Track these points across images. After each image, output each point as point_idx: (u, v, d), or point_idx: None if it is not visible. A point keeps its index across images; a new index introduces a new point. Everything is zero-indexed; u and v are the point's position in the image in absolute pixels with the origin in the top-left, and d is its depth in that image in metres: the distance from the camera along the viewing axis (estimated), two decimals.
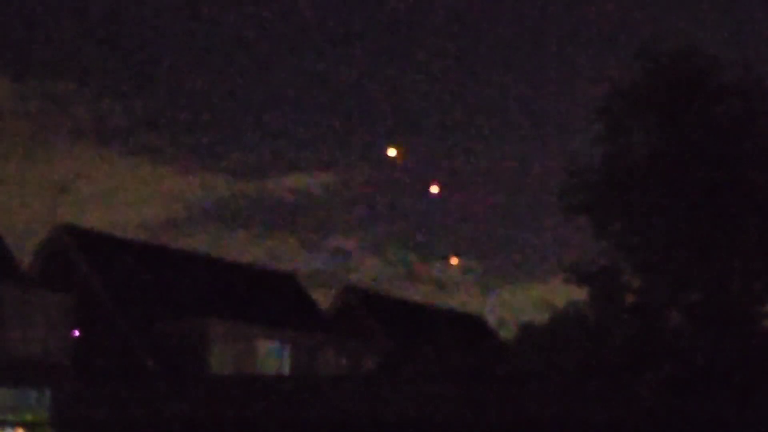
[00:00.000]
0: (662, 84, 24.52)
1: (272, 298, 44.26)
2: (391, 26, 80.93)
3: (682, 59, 24.58)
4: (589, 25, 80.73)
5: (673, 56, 24.65)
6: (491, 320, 53.17)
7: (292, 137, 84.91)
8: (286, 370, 39.32)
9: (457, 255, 51.83)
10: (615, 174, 24.93)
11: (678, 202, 24.30)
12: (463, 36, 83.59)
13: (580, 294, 25.87)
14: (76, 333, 35.70)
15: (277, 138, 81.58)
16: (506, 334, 45.78)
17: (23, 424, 31.33)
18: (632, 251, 25.05)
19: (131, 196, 78.26)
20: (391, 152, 42.33)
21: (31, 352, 33.96)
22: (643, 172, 24.57)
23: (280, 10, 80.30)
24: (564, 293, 26.75)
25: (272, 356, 39.41)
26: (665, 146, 24.59)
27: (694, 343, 23.52)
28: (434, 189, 42.46)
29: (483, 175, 78.56)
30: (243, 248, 75.91)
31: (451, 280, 60.74)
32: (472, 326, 52.81)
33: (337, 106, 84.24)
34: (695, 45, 24.95)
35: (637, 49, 24.87)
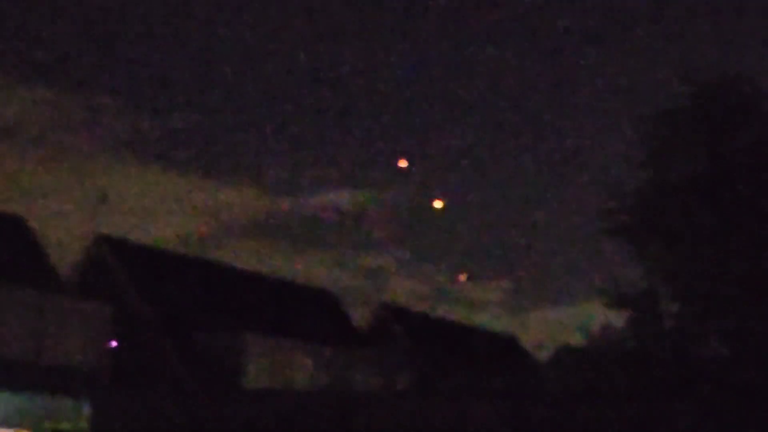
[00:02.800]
0: (706, 109, 24.51)
1: (308, 314, 44.38)
2: (428, 41, 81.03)
3: (727, 85, 24.58)
4: (631, 48, 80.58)
5: (718, 82, 24.65)
6: None
7: (326, 153, 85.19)
8: (320, 386, 39.37)
9: (466, 272, 51.94)
10: (655, 197, 24.89)
11: (719, 227, 24.23)
12: (505, 55, 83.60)
13: (615, 318, 25.83)
14: (114, 343, 35.91)
15: (312, 154, 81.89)
16: (542, 356, 45.73)
17: None
18: (671, 276, 24.97)
19: (167, 210, 78.75)
20: (402, 164, 42.82)
21: (68, 361, 34.18)
22: (685, 197, 24.53)
23: (319, 32, 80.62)
24: (600, 317, 26.69)
25: (307, 372, 39.47)
26: (707, 171, 24.54)
27: (733, 370, 23.41)
28: (438, 204, 42.69)
29: (519, 195, 78.44)
30: (276, 264, 76.11)
31: (484, 300, 60.64)
32: (506, 347, 52.73)
33: (371, 124, 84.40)
34: (739, 71, 24.94)
35: (682, 75, 24.88)
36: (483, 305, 64.98)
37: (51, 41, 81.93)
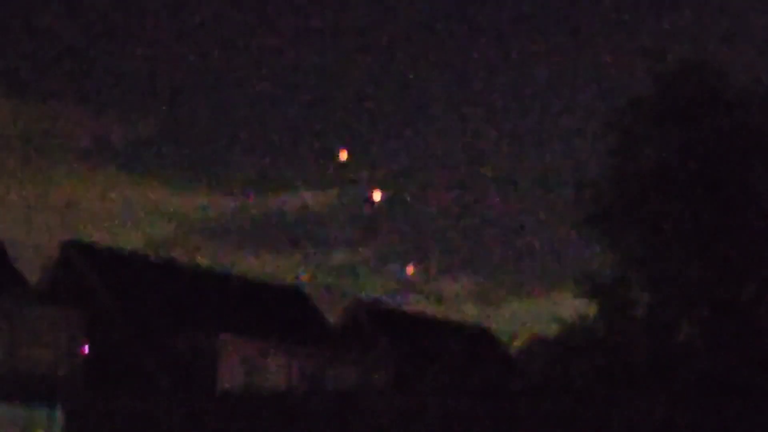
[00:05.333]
0: (672, 98, 24.60)
1: (281, 313, 44.28)
2: (401, 36, 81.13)
3: (693, 72, 24.67)
4: (599, 37, 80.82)
5: (683, 71, 24.73)
6: None
7: (293, 154, 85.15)
8: (295, 384, 39.31)
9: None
10: (626, 186, 24.95)
11: (689, 214, 24.32)
12: (476, 45, 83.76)
13: (588, 307, 25.89)
14: (86, 349, 35.72)
15: (275, 154, 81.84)
16: (515, 346, 45.81)
17: None
18: (643, 264, 25.05)
19: (132, 215, 78.48)
20: (343, 156, 42.60)
21: (41, 368, 33.97)
22: (655, 185, 24.60)
23: (284, 34, 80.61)
24: (572, 306, 26.75)
25: (281, 371, 39.40)
26: (676, 159, 24.64)
27: (706, 357, 23.51)
28: (377, 196, 42.49)
29: (491, 185, 78.60)
30: (246, 264, 75.87)
31: (453, 294, 60.63)
32: (480, 339, 52.77)
33: (334, 125, 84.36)
34: (704, 60, 25.02)
35: (648, 64, 24.95)
36: (454, 298, 64.98)
37: (10, 48, 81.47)
